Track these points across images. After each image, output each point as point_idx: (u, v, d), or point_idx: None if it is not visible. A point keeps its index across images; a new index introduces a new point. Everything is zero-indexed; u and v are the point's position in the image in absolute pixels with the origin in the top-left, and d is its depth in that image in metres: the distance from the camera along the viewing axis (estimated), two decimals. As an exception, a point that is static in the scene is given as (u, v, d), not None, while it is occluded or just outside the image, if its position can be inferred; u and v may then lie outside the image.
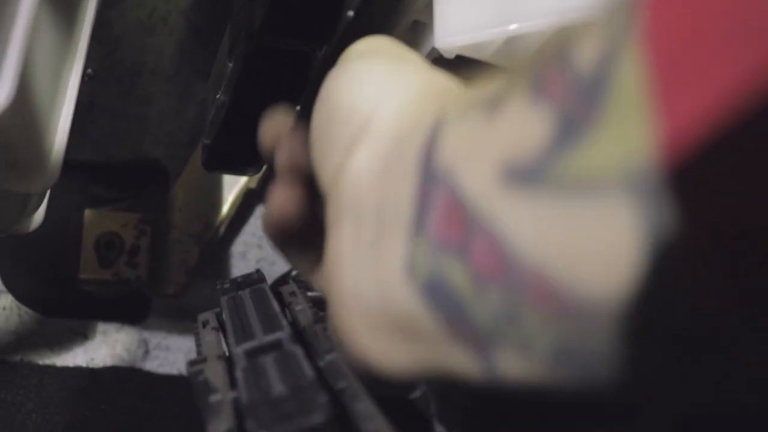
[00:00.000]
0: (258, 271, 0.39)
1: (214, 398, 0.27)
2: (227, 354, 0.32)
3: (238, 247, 0.81)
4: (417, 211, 0.22)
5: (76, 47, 0.45)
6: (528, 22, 0.35)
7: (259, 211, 0.81)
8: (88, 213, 0.72)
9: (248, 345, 0.30)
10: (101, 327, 0.77)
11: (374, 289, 0.24)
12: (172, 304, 0.79)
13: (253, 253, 0.82)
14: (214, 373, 0.29)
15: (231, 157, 0.51)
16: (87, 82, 0.72)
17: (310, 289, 0.36)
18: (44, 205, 0.51)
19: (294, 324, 0.32)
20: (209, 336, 0.35)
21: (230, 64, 0.43)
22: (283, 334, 0.30)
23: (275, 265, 0.82)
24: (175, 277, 0.73)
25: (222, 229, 0.74)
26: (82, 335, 0.76)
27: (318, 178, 0.29)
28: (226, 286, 0.38)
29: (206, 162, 0.50)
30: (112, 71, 0.73)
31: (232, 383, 0.29)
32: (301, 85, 0.44)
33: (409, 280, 0.22)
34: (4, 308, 0.74)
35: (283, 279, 0.73)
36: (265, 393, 0.25)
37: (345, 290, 0.25)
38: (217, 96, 0.46)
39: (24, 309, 0.74)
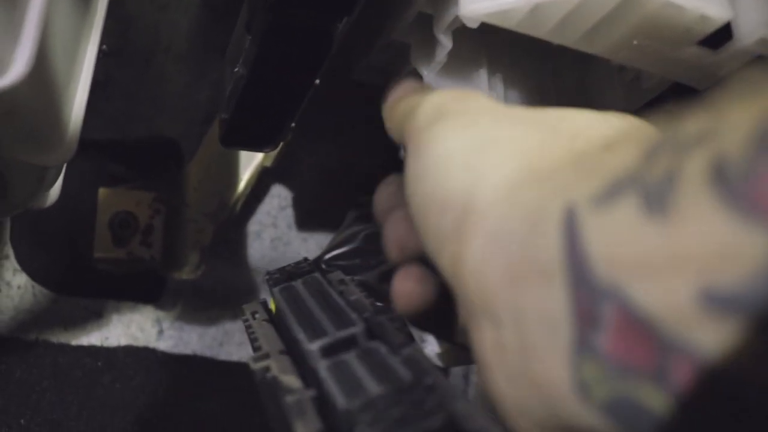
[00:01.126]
0: (306, 259, 0.37)
1: (291, 398, 0.26)
2: (288, 348, 0.31)
3: (252, 226, 0.81)
4: (578, 329, 0.20)
5: (92, 20, 0.44)
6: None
7: (275, 190, 0.81)
8: (102, 192, 0.72)
9: (323, 342, 0.28)
10: (115, 306, 0.77)
11: (540, 405, 0.22)
12: (187, 283, 0.78)
13: (268, 232, 0.81)
14: (283, 371, 0.29)
15: (248, 133, 0.50)
16: (101, 60, 0.71)
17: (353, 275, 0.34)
18: (60, 181, 0.51)
19: (360, 316, 0.31)
20: (263, 329, 0.33)
21: (249, 38, 0.43)
22: (357, 329, 0.29)
23: (290, 245, 0.82)
24: (189, 257, 0.73)
25: (237, 208, 0.73)
26: (96, 314, 0.76)
27: (434, 262, 0.27)
28: (276, 276, 0.36)
29: (224, 137, 0.50)
30: (127, 50, 0.73)
31: (305, 380, 0.28)
32: (320, 59, 0.43)
33: (584, 401, 0.20)
34: (18, 287, 0.74)
35: (317, 263, 0.72)
36: (363, 395, 0.24)
37: (504, 399, 0.23)
38: (235, 69, 0.45)
39: (38, 288, 0.74)
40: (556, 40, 0.37)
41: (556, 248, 0.20)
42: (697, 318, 0.17)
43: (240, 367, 0.80)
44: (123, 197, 0.72)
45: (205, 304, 0.80)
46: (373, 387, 0.24)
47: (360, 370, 0.25)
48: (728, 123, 0.17)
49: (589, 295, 0.19)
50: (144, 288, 0.77)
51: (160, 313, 0.79)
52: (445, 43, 0.41)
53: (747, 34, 0.35)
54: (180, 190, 0.73)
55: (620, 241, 0.19)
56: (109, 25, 0.70)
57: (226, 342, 0.80)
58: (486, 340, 0.23)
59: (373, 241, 0.69)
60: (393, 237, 0.33)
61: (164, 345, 0.79)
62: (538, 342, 0.21)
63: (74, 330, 0.75)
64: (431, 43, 0.42)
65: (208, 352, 0.80)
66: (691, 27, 0.35)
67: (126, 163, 0.74)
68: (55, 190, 0.51)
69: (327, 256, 0.69)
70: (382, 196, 0.35)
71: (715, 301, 0.16)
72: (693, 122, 0.19)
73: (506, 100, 0.46)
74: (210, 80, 0.74)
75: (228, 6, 0.72)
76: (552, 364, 0.21)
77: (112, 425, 0.72)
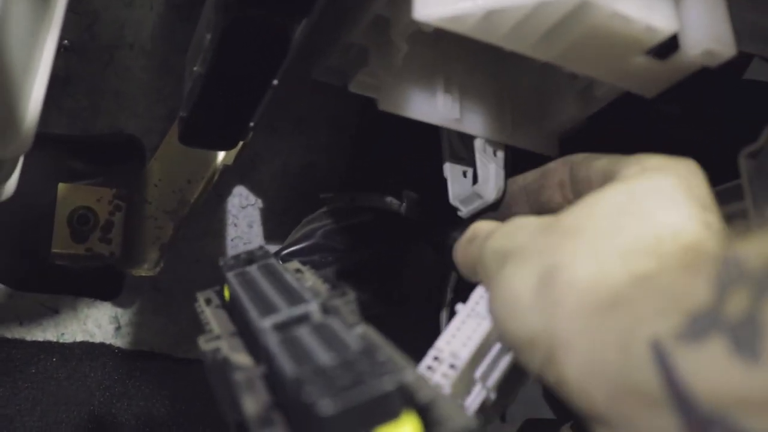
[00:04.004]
0: (261, 247, 0.37)
1: (240, 375, 0.25)
2: (240, 332, 0.31)
3: (213, 225, 0.81)
4: None
5: (51, 15, 0.44)
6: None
7: (236, 189, 0.81)
8: (62, 187, 0.71)
9: (275, 318, 0.27)
10: (72, 302, 0.77)
11: None
12: (145, 280, 0.78)
13: (228, 231, 0.81)
14: (233, 350, 0.28)
15: (207, 132, 0.50)
16: (64, 55, 0.71)
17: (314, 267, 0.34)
18: (17, 175, 0.51)
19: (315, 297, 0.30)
20: (216, 314, 0.33)
21: (208, 36, 0.43)
22: (312, 306, 0.28)
23: (250, 244, 0.82)
24: (148, 254, 0.72)
25: (198, 206, 0.73)
26: (52, 310, 0.76)
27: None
28: (231, 262, 0.35)
29: (182, 135, 0.50)
30: (90, 45, 0.72)
31: (256, 360, 0.27)
32: (278, 60, 0.44)
33: None
34: (-26, 281, 0.73)
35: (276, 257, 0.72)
36: (313, 364, 0.23)
37: None
38: (195, 68, 0.45)
39: (-6, 283, 0.73)
40: (509, 46, 0.38)
41: (655, 380, 0.23)
42: None
43: (198, 365, 0.80)
44: (83, 193, 0.71)
45: (163, 301, 0.80)
46: (323, 356, 0.24)
47: (311, 342, 0.25)
48: None
49: (698, 422, 0.22)
50: (102, 284, 0.77)
51: (118, 310, 0.78)
52: (401, 46, 0.41)
53: (693, 45, 0.36)
54: (141, 186, 0.72)
55: (718, 377, 0.21)
56: (73, 19, 0.70)
57: (184, 340, 0.80)
58: None
59: (332, 237, 0.69)
60: None
61: (121, 342, 0.78)
62: None
63: (30, 326, 0.75)
64: (388, 46, 0.42)
65: (165, 350, 0.80)
66: (639, 37, 0.36)
67: (87, 159, 0.74)
68: (10, 184, 0.51)
69: (284, 252, 0.69)
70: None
71: None
72: (755, 246, 0.22)
73: (462, 104, 0.47)
74: (173, 78, 0.74)
75: (192, 5, 0.72)
76: None
77: (66, 421, 0.72)
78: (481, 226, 0.37)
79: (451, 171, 0.53)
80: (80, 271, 0.74)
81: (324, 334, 0.26)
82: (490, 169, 0.47)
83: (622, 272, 0.27)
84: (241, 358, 0.27)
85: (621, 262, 0.27)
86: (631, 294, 0.25)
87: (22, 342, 0.73)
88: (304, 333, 0.26)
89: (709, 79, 0.39)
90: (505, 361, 0.34)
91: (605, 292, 0.26)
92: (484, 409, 0.34)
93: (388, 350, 0.25)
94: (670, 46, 0.37)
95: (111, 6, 0.72)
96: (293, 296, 0.29)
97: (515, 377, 0.35)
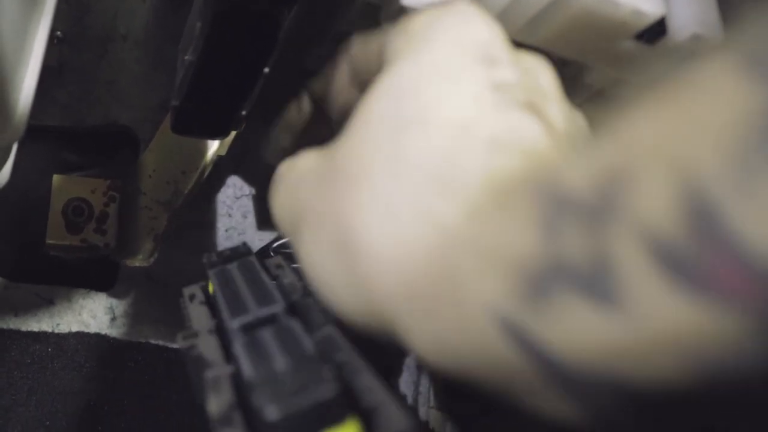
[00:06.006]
0: (245, 243, 0.38)
1: (210, 373, 0.27)
2: (218, 328, 0.32)
3: (207, 215, 0.81)
4: None
5: (43, 3, 0.44)
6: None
7: (230, 180, 0.81)
8: (56, 178, 0.71)
9: (243, 319, 0.29)
10: (67, 293, 0.77)
11: None
12: (140, 271, 0.78)
13: (223, 221, 0.82)
14: (208, 348, 0.30)
15: (199, 120, 0.51)
16: (57, 46, 0.71)
17: (295, 261, 0.35)
18: (10, 165, 0.51)
19: (285, 297, 0.32)
20: (198, 310, 0.34)
21: (199, 24, 0.43)
22: (278, 307, 0.30)
23: (244, 235, 0.82)
24: (142, 244, 0.73)
25: (192, 197, 0.73)
26: (47, 301, 0.76)
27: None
28: (214, 259, 0.37)
29: (174, 124, 0.50)
30: (83, 36, 0.72)
31: (227, 358, 0.29)
32: (268, 47, 0.44)
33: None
34: (-32, 272, 0.73)
35: (264, 251, 0.73)
36: (268, 368, 0.25)
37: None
38: (186, 57, 0.45)
39: (-11, 273, 0.74)
40: (497, 31, 0.38)
41: (519, 360, 0.19)
42: None
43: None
44: (77, 184, 0.71)
45: (158, 291, 0.80)
46: (279, 360, 0.25)
47: (272, 345, 0.26)
48: (638, 179, 0.16)
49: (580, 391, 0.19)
50: (97, 275, 0.77)
51: (113, 301, 0.79)
52: (391, 34, 0.42)
53: (680, 29, 0.36)
54: (135, 177, 0.72)
55: (581, 337, 0.18)
56: (65, 10, 0.70)
57: (179, 330, 0.80)
58: None
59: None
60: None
61: (116, 332, 0.78)
62: None
63: (25, 316, 0.75)
64: (378, 33, 0.43)
65: (160, 340, 0.80)
66: (626, 21, 0.36)
67: (81, 151, 0.74)
68: (4, 174, 0.51)
69: (276, 244, 0.69)
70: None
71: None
72: (580, 162, 0.18)
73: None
74: (167, 69, 0.74)
75: (185, -5, 0.73)
76: None
77: (62, 411, 0.72)
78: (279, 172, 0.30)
79: None
80: (75, 261, 0.74)
81: (285, 336, 0.27)
82: None
83: (425, 227, 0.22)
84: (215, 356, 0.29)
85: (418, 212, 0.22)
86: (445, 257, 0.21)
87: (17, 332, 0.73)
88: (267, 335, 0.27)
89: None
90: None
91: (414, 260, 0.22)
92: None
93: (345, 354, 0.26)
94: (657, 30, 0.37)
95: (103, -3, 0.72)
96: (265, 296, 0.31)
97: None
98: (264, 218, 0.80)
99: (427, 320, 0.22)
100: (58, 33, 0.69)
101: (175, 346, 0.80)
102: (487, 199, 0.21)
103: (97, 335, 0.77)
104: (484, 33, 0.24)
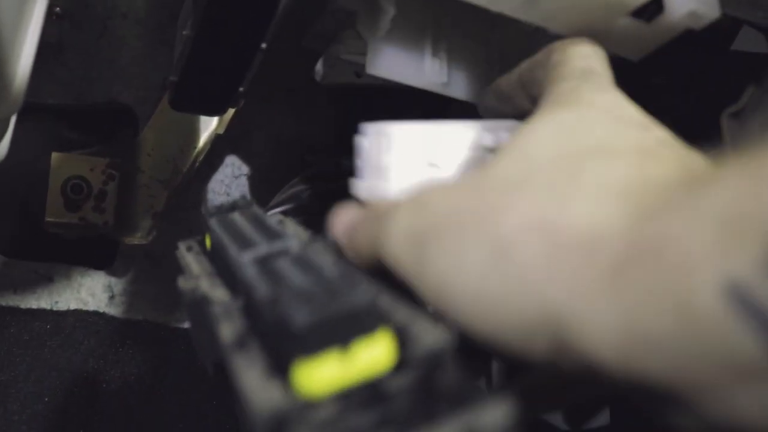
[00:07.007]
0: (243, 196, 0.37)
1: (218, 308, 0.25)
2: (221, 273, 0.30)
3: (206, 194, 0.81)
4: None
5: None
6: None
7: (229, 159, 0.81)
8: (55, 156, 0.71)
9: (254, 252, 0.27)
10: (66, 270, 0.77)
11: None
12: (139, 249, 0.79)
13: (221, 200, 0.81)
14: (213, 288, 0.28)
15: (197, 96, 0.51)
16: (57, 24, 0.71)
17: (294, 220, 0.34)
18: (8, 139, 0.51)
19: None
20: (197, 259, 0.32)
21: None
22: (291, 242, 0.27)
23: (243, 214, 0.82)
24: (141, 222, 0.73)
25: (190, 175, 0.73)
26: (47, 278, 0.76)
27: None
28: (213, 210, 0.35)
29: (172, 100, 0.50)
30: (84, 14, 0.72)
31: (235, 296, 0.27)
32: (264, 21, 0.44)
33: None
34: (-32, 249, 0.73)
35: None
36: (289, 286, 0.22)
37: None
38: (184, 32, 0.45)
39: (-12, 250, 0.74)
40: (495, 7, 0.38)
41: (744, 341, 0.17)
42: None
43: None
44: (76, 162, 0.71)
45: (156, 269, 0.80)
46: (299, 279, 0.23)
47: (289, 270, 0.24)
48: None
49: None
50: (96, 253, 0.77)
51: (112, 279, 0.79)
52: (388, 9, 0.42)
53: (677, 6, 0.36)
54: (134, 155, 0.72)
55: None
56: (65, -12, 0.70)
57: (177, 308, 0.80)
58: None
59: (316, 200, 0.70)
60: None
61: (115, 310, 0.79)
62: None
63: (24, 294, 0.75)
64: (376, 9, 0.43)
65: (158, 318, 0.80)
66: (623, -2, 0.36)
67: (80, 128, 0.74)
68: (2, 147, 0.51)
69: (269, 213, 0.69)
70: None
71: None
72: None
73: (450, 69, 0.47)
74: (167, 47, 0.74)
75: (185, -28, 0.72)
76: None
77: (60, 388, 0.72)
78: (370, 208, 0.30)
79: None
80: (74, 239, 0.75)
81: (302, 263, 0.25)
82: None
83: (620, 199, 0.22)
84: (220, 294, 0.27)
85: (610, 187, 0.22)
86: (655, 226, 0.20)
87: (16, 309, 0.74)
88: (282, 264, 0.25)
89: (697, 48, 0.39)
90: None
91: (612, 234, 0.21)
92: None
93: (367, 281, 0.24)
94: (655, 7, 0.37)
95: (104, -25, 0.72)
96: (274, 235, 0.29)
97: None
98: (260, 198, 0.80)
99: (619, 303, 0.20)
100: (58, 9, 0.68)
101: (173, 324, 0.81)
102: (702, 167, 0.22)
103: (96, 313, 0.77)
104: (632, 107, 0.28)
